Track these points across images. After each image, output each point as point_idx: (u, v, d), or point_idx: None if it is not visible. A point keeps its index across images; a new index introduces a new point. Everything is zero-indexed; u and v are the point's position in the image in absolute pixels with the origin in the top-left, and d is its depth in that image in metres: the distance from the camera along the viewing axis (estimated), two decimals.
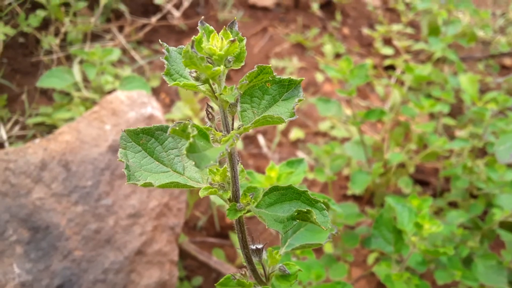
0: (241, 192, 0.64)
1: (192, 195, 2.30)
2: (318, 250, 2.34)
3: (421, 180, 2.62)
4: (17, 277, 1.59)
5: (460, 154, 2.63)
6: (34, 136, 2.25)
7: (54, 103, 2.40)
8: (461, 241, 2.02)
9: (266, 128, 2.74)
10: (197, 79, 0.61)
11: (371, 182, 2.38)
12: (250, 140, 2.71)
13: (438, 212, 2.42)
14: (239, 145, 2.58)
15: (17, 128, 2.27)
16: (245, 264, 0.73)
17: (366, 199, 2.47)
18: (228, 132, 0.60)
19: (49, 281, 1.61)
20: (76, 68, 2.38)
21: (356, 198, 2.50)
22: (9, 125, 2.26)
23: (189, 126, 0.53)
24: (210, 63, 0.60)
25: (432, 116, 2.89)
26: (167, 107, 2.64)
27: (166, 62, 0.65)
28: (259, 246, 0.73)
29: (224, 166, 0.63)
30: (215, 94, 0.60)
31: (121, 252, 1.70)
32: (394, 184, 2.44)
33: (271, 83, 0.67)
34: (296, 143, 2.70)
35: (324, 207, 0.60)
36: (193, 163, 0.63)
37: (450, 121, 2.80)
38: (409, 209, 1.47)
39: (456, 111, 3.06)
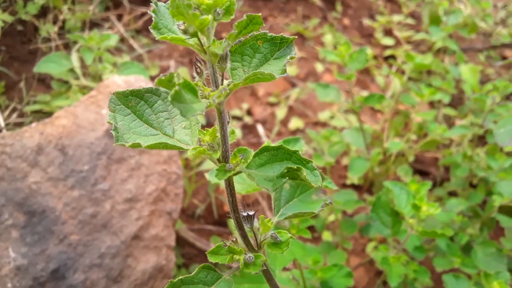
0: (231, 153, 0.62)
1: (190, 183, 2.29)
2: (317, 238, 2.33)
3: (421, 170, 2.61)
4: (13, 261, 1.58)
5: (460, 144, 2.62)
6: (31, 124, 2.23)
7: (52, 91, 2.39)
8: (460, 228, 2.01)
9: (266, 117, 2.72)
10: (185, 32, 0.59)
11: (370, 171, 2.37)
12: (249, 129, 2.69)
13: (437, 202, 2.41)
14: (238, 133, 2.57)
15: (14, 115, 2.26)
16: (235, 230, 0.71)
17: (366, 189, 2.46)
18: (217, 88, 0.59)
19: (45, 265, 1.60)
20: (74, 56, 2.37)
21: (356, 187, 2.49)
22: (6, 112, 2.25)
23: (175, 75, 0.52)
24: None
25: (432, 106, 2.88)
26: None
27: (154, 15, 0.64)
28: (251, 213, 0.72)
29: (214, 126, 0.62)
30: (204, 47, 0.59)
31: (117, 237, 1.69)
32: (394, 173, 2.43)
33: (263, 41, 0.65)
34: (295, 133, 2.69)
35: (315, 167, 0.59)
36: (183, 125, 0.62)
37: (450, 111, 2.78)
38: (407, 191, 1.46)
39: (456, 102, 3.05)
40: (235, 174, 0.62)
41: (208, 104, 0.50)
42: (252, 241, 0.75)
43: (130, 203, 1.73)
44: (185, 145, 0.64)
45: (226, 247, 0.72)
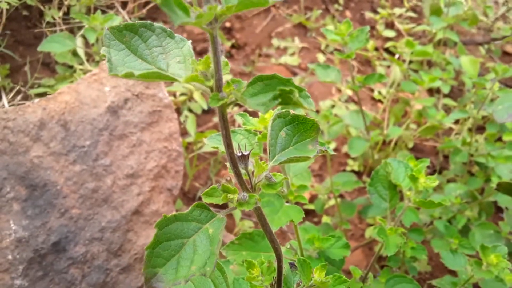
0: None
1: (191, 167, 2.31)
2: (317, 223, 2.34)
3: (420, 158, 2.61)
4: (14, 233, 1.60)
5: (460, 133, 2.63)
6: None
7: (57, 75, 2.41)
8: (459, 211, 2.02)
9: None
10: None
11: (371, 158, 2.38)
12: (251, 116, 2.71)
13: (436, 189, 2.42)
14: (239, 119, 2.58)
15: (19, 97, 2.29)
16: (229, 167, 0.73)
17: (366, 174, 2.47)
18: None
19: (46, 238, 1.62)
20: (79, 40, 2.40)
21: (356, 174, 2.50)
22: (11, 94, 2.28)
23: None
24: None
25: (432, 95, 2.89)
26: (169, 82, 2.65)
27: None
28: (245, 153, 0.74)
29: (207, 55, 0.63)
30: None
31: (118, 212, 1.71)
32: None
33: None
34: None
35: (309, 95, 0.61)
36: (177, 60, 0.64)
37: (450, 102, 2.80)
38: (405, 165, 1.47)
39: (457, 94, 3.06)
40: (228, 104, 0.64)
41: (198, 14, 0.51)
42: (247, 185, 0.76)
43: (131, 179, 1.75)
44: (178, 77, 0.65)
45: (220, 187, 0.73)
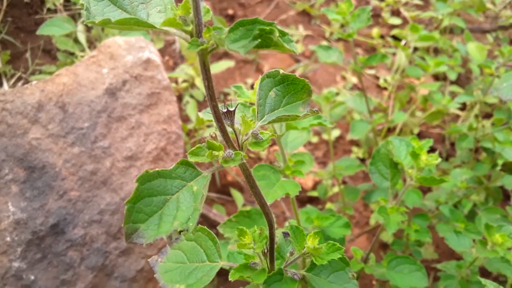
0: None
1: None
2: (321, 210, 2.31)
3: None
4: (12, 215, 1.58)
5: (467, 119, 2.59)
6: None
7: (58, 61, 2.40)
8: (465, 195, 1.98)
9: None
10: None
11: (375, 144, 2.35)
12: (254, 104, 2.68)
13: (442, 175, 2.38)
14: (233, 92, 2.55)
15: (20, 84, 2.28)
16: (214, 122, 0.70)
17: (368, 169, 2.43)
18: None
19: (44, 220, 1.60)
20: (80, 27, 2.38)
21: (360, 161, 2.47)
22: (12, 81, 2.27)
23: None
24: None
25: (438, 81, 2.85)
26: (171, 69, 2.63)
27: None
28: (231, 108, 0.71)
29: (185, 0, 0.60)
30: None
31: (117, 194, 1.69)
32: None
33: None
34: None
35: (293, 40, 0.58)
36: (158, 9, 0.61)
37: (457, 89, 2.75)
38: (406, 143, 1.44)
39: (464, 82, 3.01)
40: (209, 52, 0.61)
41: None
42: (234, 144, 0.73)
43: (130, 161, 1.73)
44: (157, 25, 0.63)
45: (205, 144, 0.71)
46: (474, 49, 2.74)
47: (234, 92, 1.12)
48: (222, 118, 0.70)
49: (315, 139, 2.58)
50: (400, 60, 2.51)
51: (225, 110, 0.71)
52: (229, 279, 0.89)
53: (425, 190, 2.25)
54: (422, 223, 1.78)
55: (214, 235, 0.97)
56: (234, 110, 0.71)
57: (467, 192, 1.97)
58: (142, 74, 1.81)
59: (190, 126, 2.31)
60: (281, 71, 0.81)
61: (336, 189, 2.26)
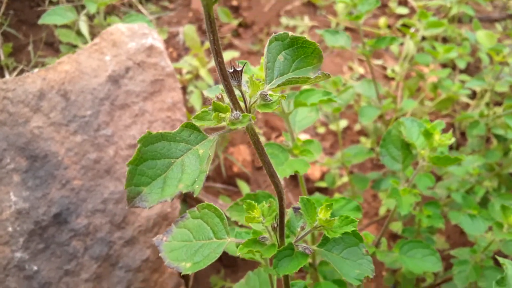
0: None
1: None
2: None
3: None
4: (14, 204, 1.55)
5: (477, 108, 2.54)
6: None
7: (60, 54, 2.37)
8: (477, 182, 1.93)
9: None
10: None
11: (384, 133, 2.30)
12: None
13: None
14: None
15: None
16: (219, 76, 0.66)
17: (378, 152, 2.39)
18: None
19: (47, 209, 1.56)
20: (82, 19, 2.35)
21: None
22: (14, 73, 2.24)
23: None
24: None
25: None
26: (175, 61, 2.60)
27: None
28: (238, 68, 0.67)
29: None
30: None
31: (121, 182, 1.65)
32: None
33: None
34: None
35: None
36: None
37: (466, 78, 2.70)
38: (418, 124, 1.39)
39: (473, 71, 2.96)
40: (214, 2, 0.57)
41: None
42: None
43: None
44: None
45: (212, 106, 0.66)
46: (484, 37, 2.69)
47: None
48: (229, 78, 0.66)
49: (322, 130, 2.54)
50: (409, 48, 2.47)
51: (232, 70, 0.67)
52: (237, 254, 0.85)
53: (436, 179, 2.21)
54: (434, 210, 1.73)
55: (221, 211, 0.93)
56: (242, 70, 0.67)
57: (479, 179, 1.92)
58: (145, 61, 1.77)
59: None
60: (290, 33, 0.77)
61: (344, 179, 2.21)
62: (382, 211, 2.21)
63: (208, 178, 2.21)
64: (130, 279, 1.61)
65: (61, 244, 1.57)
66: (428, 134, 1.27)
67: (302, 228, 0.89)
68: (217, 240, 0.91)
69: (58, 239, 1.57)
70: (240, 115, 0.66)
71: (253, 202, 0.84)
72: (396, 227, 2.10)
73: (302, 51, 0.76)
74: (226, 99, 0.68)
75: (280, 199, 0.81)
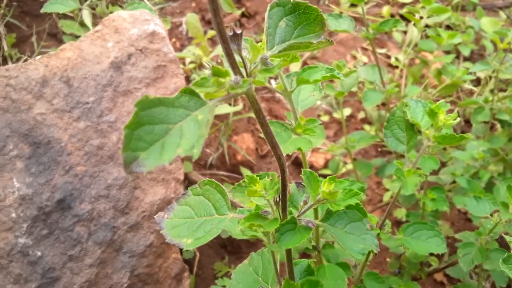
0: None
1: None
2: None
3: None
4: (17, 190, 1.55)
5: (481, 95, 2.52)
6: None
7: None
8: (482, 166, 1.92)
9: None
10: None
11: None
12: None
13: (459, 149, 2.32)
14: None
15: None
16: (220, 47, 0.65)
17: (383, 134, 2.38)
18: None
19: (50, 195, 1.56)
20: (85, 8, 2.35)
21: None
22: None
23: None
24: None
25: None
26: (178, 51, 2.59)
27: None
28: (238, 31, 0.66)
29: None
30: None
31: None
32: None
33: None
34: None
35: None
36: None
37: (470, 66, 2.68)
38: (423, 104, 1.38)
39: (477, 59, 2.95)
40: None
41: None
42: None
43: None
44: None
45: (211, 70, 0.66)
46: (488, 24, 2.68)
47: None
48: (229, 41, 0.65)
49: (325, 118, 2.53)
50: (412, 35, 2.45)
51: (232, 33, 0.66)
52: (239, 227, 0.85)
53: (440, 165, 2.20)
54: (438, 194, 1.72)
55: (223, 187, 0.92)
56: (241, 34, 0.66)
57: (484, 163, 1.90)
58: (147, 47, 1.76)
59: None
60: None
61: (348, 167, 2.20)
62: (386, 197, 2.20)
63: (212, 166, 2.21)
64: (134, 264, 1.61)
65: (64, 230, 1.57)
66: (433, 114, 1.26)
67: (305, 203, 0.89)
68: (219, 216, 0.91)
69: (62, 224, 1.57)
70: (240, 80, 0.65)
71: (255, 176, 0.84)
72: (400, 214, 2.09)
73: (304, 17, 0.75)
74: (226, 65, 0.67)
75: (282, 172, 0.80)
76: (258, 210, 0.86)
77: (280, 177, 0.82)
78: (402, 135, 1.41)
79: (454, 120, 1.29)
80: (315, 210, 1.27)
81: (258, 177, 1.13)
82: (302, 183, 0.88)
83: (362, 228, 0.88)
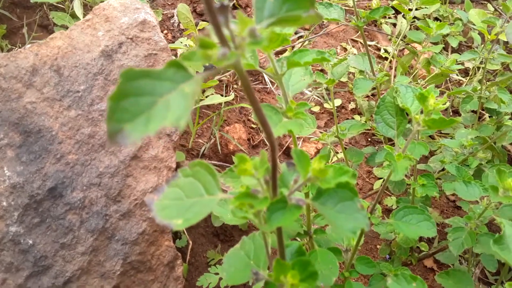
0: None
1: (194, 124, 2.25)
2: None
3: None
4: (8, 179, 1.55)
5: (469, 85, 2.54)
6: None
7: None
8: (471, 154, 1.94)
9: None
10: None
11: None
12: (255, 77, 2.65)
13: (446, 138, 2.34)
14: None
15: None
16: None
17: (374, 130, 2.40)
18: None
19: (41, 183, 1.56)
20: (77, 3, 2.34)
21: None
22: None
23: None
24: None
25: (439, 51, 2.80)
26: (169, 43, 2.59)
27: None
28: (225, 3, 0.66)
29: None
30: None
31: (116, 157, 1.66)
32: None
33: None
34: None
35: None
36: None
37: (458, 57, 2.71)
38: (413, 89, 1.39)
39: (465, 50, 2.97)
40: None
41: None
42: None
43: None
44: None
45: (198, 43, 0.66)
46: (475, 15, 2.70)
47: None
48: (216, 13, 0.65)
49: (316, 109, 2.54)
50: (401, 26, 2.47)
51: (219, 4, 0.66)
52: (230, 207, 0.85)
53: (429, 154, 2.22)
54: (428, 180, 1.74)
55: (213, 168, 0.93)
56: (228, 6, 0.67)
57: (473, 150, 1.92)
58: (138, 36, 1.76)
59: None
60: None
61: (339, 156, 2.22)
62: (376, 185, 2.22)
63: (204, 156, 2.22)
64: (127, 251, 1.62)
65: (56, 218, 1.57)
66: (423, 98, 1.28)
67: (296, 182, 0.90)
68: (209, 196, 0.91)
69: (54, 213, 1.57)
70: (228, 51, 0.66)
71: (245, 155, 0.84)
72: (391, 202, 2.11)
73: None
74: (214, 38, 0.67)
75: (272, 149, 0.81)
76: (249, 189, 0.87)
77: (270, 155, 0.83)
78: (392, 120, 1.42)
79: (444, 104, 1.31)
80: (306, 194, 1.28)
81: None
82: (293, 162, 0.88)
83: (353, 207, 0.89)
